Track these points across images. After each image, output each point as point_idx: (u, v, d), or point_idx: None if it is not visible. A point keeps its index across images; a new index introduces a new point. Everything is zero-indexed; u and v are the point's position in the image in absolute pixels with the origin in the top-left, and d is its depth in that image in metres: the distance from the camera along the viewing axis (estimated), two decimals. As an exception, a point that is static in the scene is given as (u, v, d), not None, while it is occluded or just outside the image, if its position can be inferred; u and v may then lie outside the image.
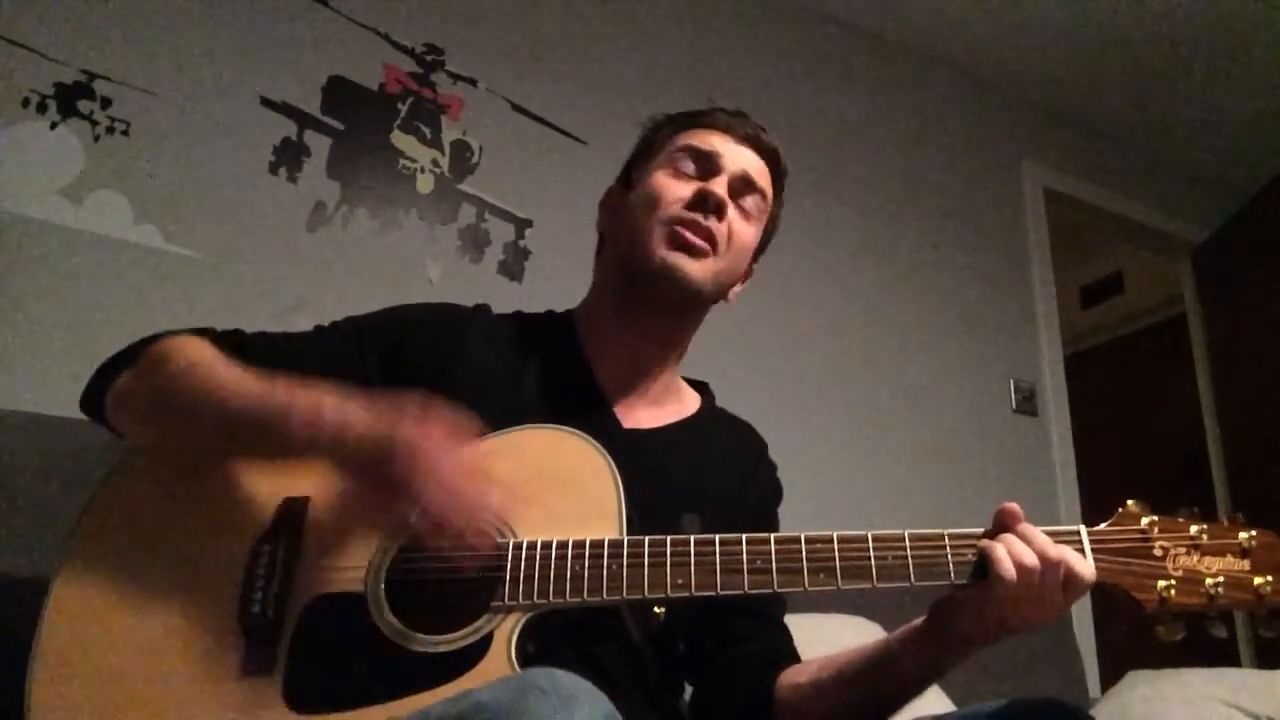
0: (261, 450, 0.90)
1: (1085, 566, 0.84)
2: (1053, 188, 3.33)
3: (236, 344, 1.00)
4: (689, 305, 1.10)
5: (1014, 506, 0.87)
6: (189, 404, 0.89)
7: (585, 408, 1.04)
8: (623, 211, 1.12)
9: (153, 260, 1.84)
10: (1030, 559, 0.82)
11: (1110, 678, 2.04)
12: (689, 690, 1.11)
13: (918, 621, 0.92)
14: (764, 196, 1.13)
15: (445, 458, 0.81)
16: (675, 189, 1.07)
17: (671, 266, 1.03)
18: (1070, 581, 0.83)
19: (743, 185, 1.10)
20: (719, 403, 1.22)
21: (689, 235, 1.04)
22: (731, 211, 1.07)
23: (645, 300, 1.07)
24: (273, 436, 0.85)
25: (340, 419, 0.82)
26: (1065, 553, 0.84)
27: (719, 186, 1.07)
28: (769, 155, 1.14)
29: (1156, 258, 3.94)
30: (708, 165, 1.09)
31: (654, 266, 1.04)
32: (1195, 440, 3.57)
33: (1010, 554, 0.83)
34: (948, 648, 0.89)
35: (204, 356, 0.93)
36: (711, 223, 1.05)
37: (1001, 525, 0.87)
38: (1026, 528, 0.86)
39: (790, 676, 1.01)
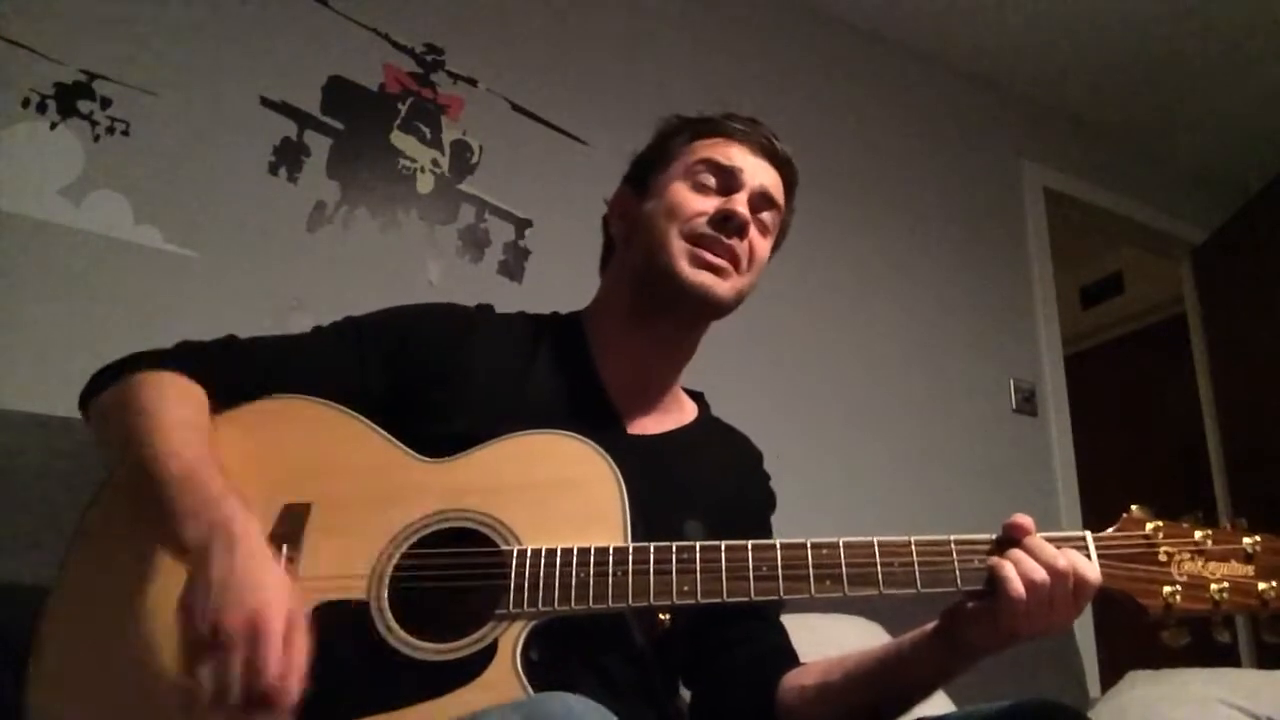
0: (163, 523, 0.83)
1: (1092, 570, 0.84)
2: (1053, 188, 3.33)
3: (226, 357, 0.99)
4: (710, 319, 1.11)
5: (1024, 520, 0.86)
6: (130, 455, 0.87)
7: (591, 413, 1.04)
8: (638, 219, 1.11)
9: (153, 260, 1.83)
10: (1039, 574, 0.82)
11: (1110, 678, 2.04)
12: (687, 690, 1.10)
13: (928, 627, 0.92)
14: (779, 210, 1.13)
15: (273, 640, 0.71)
16: (696, 203, 1.06)
17: (699, 285, 1.03)
18: (1079, 588, 0.84)
19: (762, 201, 1.10)
20: (720, 406, 1.23)
21: (711, 256, 1.04)
22: (751, 229, 1.07)
23: (663, 310, 1.07)
24: (175, 519, 0.81)
25: (229, 549, 0.76)
26: (1073, 560, 0.84)
27: (741, 205, 1.06)
28: (784, 166, 1.14)
29: (1156, 258, 3.93)
30: (729, 181, 1.08)
31: (679, 284, 1.04)
32: (1195, 440, 3.57)
33: (1020, 573, 0.83)
34: (958, 654, 0.89)
35: (161, 406, 0.89)
36: (734, 242, 1.05)
37: (1010, 537, 0.86)
38: (1035, 541, 0.85)
39: (794, 679, 1.01)
